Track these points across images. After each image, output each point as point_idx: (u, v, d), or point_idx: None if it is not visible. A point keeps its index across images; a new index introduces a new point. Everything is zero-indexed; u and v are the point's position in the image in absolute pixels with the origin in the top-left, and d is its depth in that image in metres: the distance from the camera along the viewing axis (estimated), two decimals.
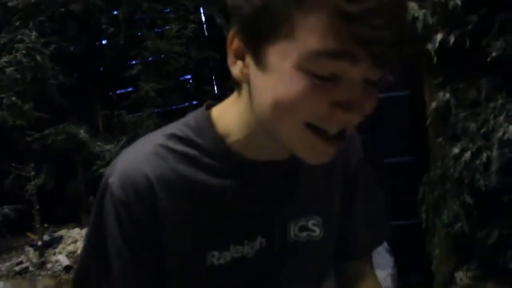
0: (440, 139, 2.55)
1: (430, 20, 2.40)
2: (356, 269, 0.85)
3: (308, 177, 0.70)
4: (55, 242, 4.37)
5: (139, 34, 5.23)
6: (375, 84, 0.56)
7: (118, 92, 6.00)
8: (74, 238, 4.48)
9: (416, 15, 2.39)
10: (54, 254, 4.22)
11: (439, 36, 2.37)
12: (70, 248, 4.32)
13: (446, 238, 2.75)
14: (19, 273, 3.96)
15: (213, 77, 5.69)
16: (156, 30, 5.22)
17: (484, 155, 2.25)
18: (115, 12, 5.39)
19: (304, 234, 0.73)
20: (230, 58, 0.60)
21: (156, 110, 5.55)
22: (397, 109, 2.99)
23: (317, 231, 0.74)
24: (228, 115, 0.67)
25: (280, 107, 0.55)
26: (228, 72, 0.61)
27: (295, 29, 0.51)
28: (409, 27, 0.55)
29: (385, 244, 2.80)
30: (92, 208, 0.67)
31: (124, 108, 5.57)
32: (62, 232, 4.61)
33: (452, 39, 2.36)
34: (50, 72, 4.86)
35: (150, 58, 5.45)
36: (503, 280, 2.51)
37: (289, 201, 0.71)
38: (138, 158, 0.65)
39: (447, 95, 2.46)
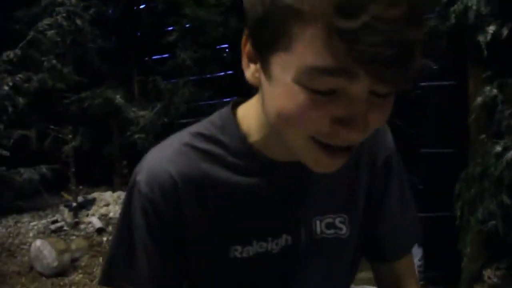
0: (483, 135, 2.45)
1: (484, 10, 2.27)
2: (396, 272, 0.82)
3: (330, 176, 0.68)
4: (88, 204, 4.52)
5: (178, 0, 5.18)
6: (384, 95, 0.52)
7: (154, 57, 6.03)
8: (107, 201, 4.61)
9: (469, 4, 2.27)
10: (87, 215, 4.37)
11: (491, 28, 2.25)
12: (102, 211, 4.45)
13: (478, 235, 2.70)
14: (54, 231, 4.13)
15: None
16: None
17: None
18: None
19: (331, 231, 0.73)
20: (244, 61, 0.59)
21: (191, 78, 5.55)
22: (439, 98, 2.89)
23: (344, 229, 0.73)
24: (251, 115, 0.67)
25: (284, 119, 0.54)
26: None
27: (293, 42, 0.49)
28: (414, 38, 0.49)
29: None
30: (124, 185, 0.70)
31: (159, 74, 5.61)
32: (95, 194, 4.75)
33: (505, 32, 2.23)
34: (89, 36, 4.91)
35: (188, 26, 5.42)
36: None
37: (313, 198, 0.71)
38: (163, 157, 0.67)
39: (494, 90, 2.35)
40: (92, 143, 5.11)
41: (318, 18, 0.46)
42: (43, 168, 4.56)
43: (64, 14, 4.49)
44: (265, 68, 0.55)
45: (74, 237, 4.01)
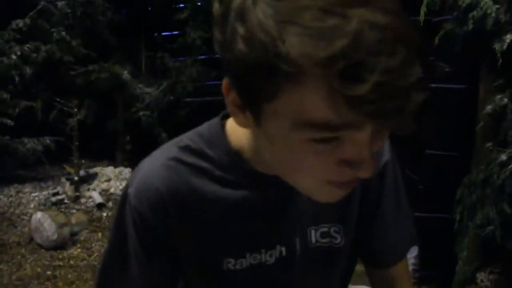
0: (489, 143, 2.45)
1: (503, 18, 2.25)
2: (390, 276, 0.83)
3: None
4: (90, 178, 4.54)
5: None
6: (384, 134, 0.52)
7: (164, 34, 5.97)
8: (108, 177, 4.63)
9: (488, 11, 2.24)
10: (88, 190, 4.40)
11: (509, 37, 2.22)
12: (104, 186, 4.48)
13: (475, 239, 2.72)
14: (55, 203, 4.17)
15: None
16: None
17: None
18: None
19: (326, 240, 0.74)
20: (230, 108, 0.56)
21: (200, 57, 5.51)
22: (448, 101, 2.87)
23: (339, 239, 0.74)
24: (241, 129, 0.64)
25: (287, 170, 0.55)
26: None
27: (290, 97, 0.46)
28: (416, 76, 0.46)
29: None
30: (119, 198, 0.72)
31: (168, 52, 5.56)
32: (97, 169, 4.77)
33: None
34: (100, 8, 4.86)
35: (200, 4, 5.36)
36: None
37: (306, 209, 0.71)
38: (151, 171, 0.68)
39: (505, 99, 2.34)
40: (96, 117, 5.11)
41: (318, 82, 0.43)
42: (47, 140, 4.58)
43: None
44: (258, 119, 0.52)
45: (74, 211, 4.05)
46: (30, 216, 3.66)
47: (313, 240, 0.73)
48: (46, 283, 3.01)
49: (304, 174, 0.54)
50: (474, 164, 2.63)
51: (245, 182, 0.67)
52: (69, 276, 3.09)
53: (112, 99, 5.38)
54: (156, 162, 0.68)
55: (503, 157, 2.36)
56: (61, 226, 3.45)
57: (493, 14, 2.22)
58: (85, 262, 3.29)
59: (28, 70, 4.30)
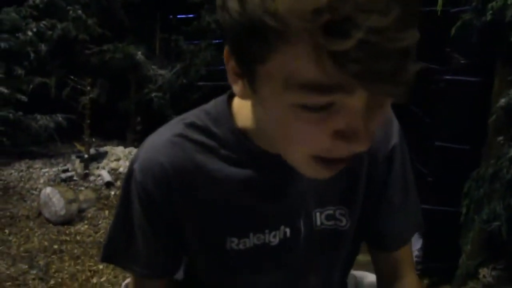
0: (501, 137, 2.42)
1: None
2: (394, 259, 0.82)
3: None
4: (99, 157, 4.58)
5: None
6: (381, 105, 0.50)
7: (179, 16, 5.95)
8: (118, 156, 4.67)
9: (509, 1, 2.19)
10: (98, 168, 4.44)
11: None
12: (113, 165, 4.51)
13: (480, 234, 2.70)
14: (64, 180, 4.22)
15: None
16: None
17: None
18: None
19: (331, 222, 0.73)
20: (230, 76, 0.56)
21: (214, 41, 5.49)
22: (462, 93, 2.83)
23: (344, 221, 0.74)
24: (246, 106, 0.65)
25: (281, 139, 0.54)
26: None
27: (282, 60, 0.45)
28: (411, 41, 0.43)
29: None
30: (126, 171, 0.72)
31: (182, 34, 5.55)
32: (107, 148, 4.81)
33: None
34: None
35: None
36: None
37: (312, 191, 0.71)
38: (156, 147, 0.68)
39: None
40: (108, 97, 5.14)
41: (304, 38, 0.42)
42: (59, 117, 4.63)
43: None
44: (253, 84, 0.52)
45: (82, 188, 4.10)
46: (40, 191, 3.71)
47: (318, 222, 0.72)
48: (52, 256, 3.06)
49: (295, 145, 0.53)
50: (484, 158, 2.60)
51: (249, 161, 0.67)
52: (75, 251, 3.14)
53: (125, 79, 5.40)
54: (162, 138, 0.68)
55: None
56: (69, 202, 3.49)
57: None
58: (91, 238, 3.34)
59: (43, 47, 4.33)
